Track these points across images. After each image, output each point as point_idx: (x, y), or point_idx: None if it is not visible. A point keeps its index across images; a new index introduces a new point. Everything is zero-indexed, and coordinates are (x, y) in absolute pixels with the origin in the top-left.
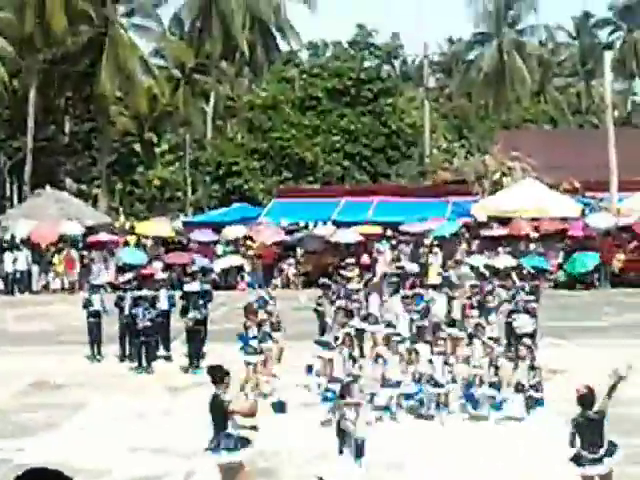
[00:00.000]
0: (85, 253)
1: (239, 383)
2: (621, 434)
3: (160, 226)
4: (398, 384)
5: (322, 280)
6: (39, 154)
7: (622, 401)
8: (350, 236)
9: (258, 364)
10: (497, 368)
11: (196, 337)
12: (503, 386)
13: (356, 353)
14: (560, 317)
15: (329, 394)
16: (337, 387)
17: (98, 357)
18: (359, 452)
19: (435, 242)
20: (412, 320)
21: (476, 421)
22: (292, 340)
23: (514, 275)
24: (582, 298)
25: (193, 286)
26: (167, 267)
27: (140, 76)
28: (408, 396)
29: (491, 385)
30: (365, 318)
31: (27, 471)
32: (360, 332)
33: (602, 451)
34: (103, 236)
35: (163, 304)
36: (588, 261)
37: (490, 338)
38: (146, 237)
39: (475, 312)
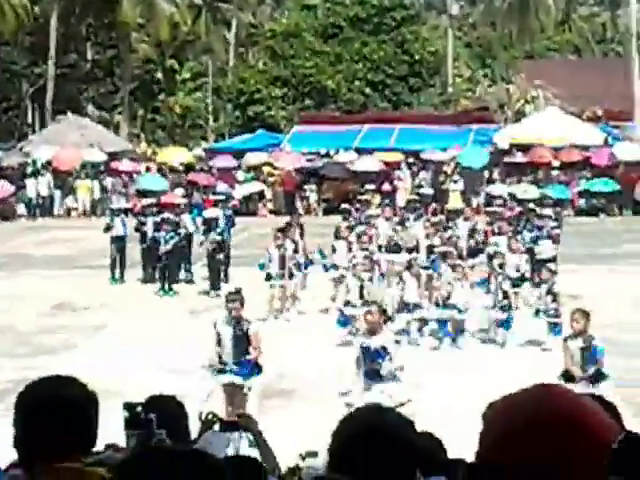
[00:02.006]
0: (106, 179)
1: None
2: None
3: (180, 153)
4: (416, 307)
5: (343, 206)
6: (61, 81)
7: (636, 325)
8: (371, 163)
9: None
10: (505, 292)
11: (217, 260)
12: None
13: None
14: (580, 244)
15: (343, 317)
16: (351, 311)
17: (120, 280)
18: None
19: (456, 169)
20: (432, 246)
21: (495, 345)
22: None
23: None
24: (603, 225)
25: (214, 212)
26: (189, 186)
27: (162, 3)
28: (428, 320)
29: (501, 308)
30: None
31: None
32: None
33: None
34: (124, 164)
35: (189, 227)
36: (609, 184)
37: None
38: (167, 165)
39: (497, 239)
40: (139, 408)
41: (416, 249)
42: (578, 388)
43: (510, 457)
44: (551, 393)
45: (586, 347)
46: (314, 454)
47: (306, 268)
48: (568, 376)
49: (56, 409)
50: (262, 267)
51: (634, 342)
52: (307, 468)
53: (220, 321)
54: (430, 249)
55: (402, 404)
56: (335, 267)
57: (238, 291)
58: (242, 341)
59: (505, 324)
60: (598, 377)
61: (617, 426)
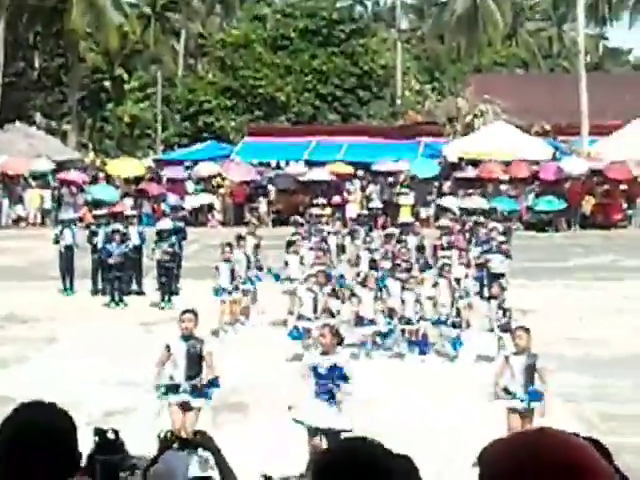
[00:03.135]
0: (56, 189)
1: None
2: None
3: (131, 165)
4: (372, 322)
5: (295, 218)
6: (8, 89)
7: (585, 341)
8: (322, 175)
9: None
10: (458, 309)
11: (168, 272)
12: (463, 325)
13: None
14: (529, 258)
15: (296, 331)
16: (305, 324)
17: (70, 292)
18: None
19: (406, 182)
20: (374, 260)
21: (449, 360)
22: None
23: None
24: (551, 240)
25: (166, 223)
26: (139, 195)
27: (111, 12)
28: (383, 334)
29: (453, 325)
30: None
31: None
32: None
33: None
34: (72, 173)
35: (134, 239)
36: (553, 203)
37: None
38: (116, 171)
39: (446, 253)
40: (110, 433)
41: (356, 263)
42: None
43: None
44: (549, 436)
45: (530, 365)
46: None
47: (258, 281)
48: (509, 391)
49: (44, 438)
50: (217, 293)
51: (583, 358)
52: None
53: (174, 340)
54: (373, 263)
55: (344, 431)
56: (289, 280)
57: (192, 310)
58: (195, 360)
59: (456, 342)
60: (535, 396)
61: (611, 469)
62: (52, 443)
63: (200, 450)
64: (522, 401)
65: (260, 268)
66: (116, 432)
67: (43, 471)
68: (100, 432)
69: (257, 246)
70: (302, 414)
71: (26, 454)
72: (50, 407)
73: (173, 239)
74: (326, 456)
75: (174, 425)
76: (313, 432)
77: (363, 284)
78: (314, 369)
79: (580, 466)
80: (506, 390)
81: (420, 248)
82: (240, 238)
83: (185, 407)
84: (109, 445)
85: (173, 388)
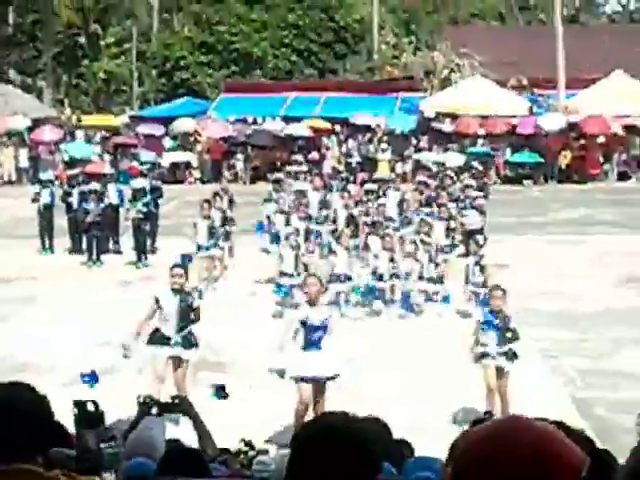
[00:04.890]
0: (32, 147)
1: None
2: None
3: (107, 120)
4: (348, 279)
5: (275, 176)
6: None
7: (563, 295)
8: (300, 130)
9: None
10: (437, 264)
11: (143, 231)
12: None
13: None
14: (506, 213)
15: (278, 288)
16: (286, 281)
17: (49, 251)
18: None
19: (384, 138)
20: (352, 216)
21: (424, 316)
22: (242, 234)
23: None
24: (529, 194)
25: (141, 182)
26: (115, 150)
27: None
28: (362, 292)
29: (430, 280)
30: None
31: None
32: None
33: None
34: (49, 131)
35: (112, 198)
36: (530, 157)
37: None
38: (93, 128)
39: (426, 209)
40: (90, 405)
41: (334, 220)
42: (492, 363)
43: None
44: (518, 428)
45: (503, 325)
46: (264, 452)
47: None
48: (484, 353)
49: (10, 421)
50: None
51: (561, 312)
52: (258, 464)
53: (163, 293)
54: (350, 219)
55: (333, 378)
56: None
57: (181, 264)
58: (187, 313)
59: (443, 299)
60: (512, 356)
61: (582, 453)
62: (19, 425)
63: (179, 414)
64: (494, 358)
65: (232, 221)
66: (95, 403)
67: (16, 449)
68: (79, 404)
69: (231, 202)
70: (292, 369)
71: None
72: (19, 389)
73: (148, 198)
74: (305, 431)
75: (159, 380)
76: (304, 382)
77: (338, 241)
78: (304, 323)
79: (550, 456)
80: (481, 351)
81: (401, 203)
82: (216, 195)
83: (176, 361)
84: (89, 417)
85: (162, 341)
